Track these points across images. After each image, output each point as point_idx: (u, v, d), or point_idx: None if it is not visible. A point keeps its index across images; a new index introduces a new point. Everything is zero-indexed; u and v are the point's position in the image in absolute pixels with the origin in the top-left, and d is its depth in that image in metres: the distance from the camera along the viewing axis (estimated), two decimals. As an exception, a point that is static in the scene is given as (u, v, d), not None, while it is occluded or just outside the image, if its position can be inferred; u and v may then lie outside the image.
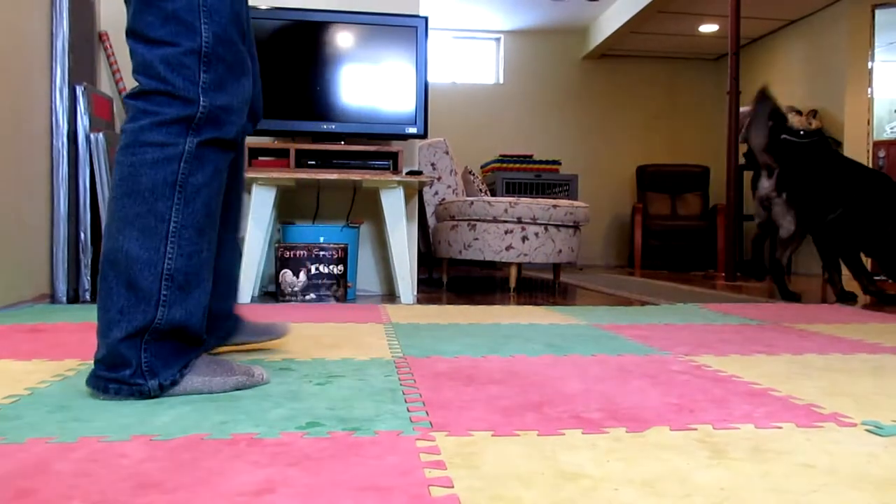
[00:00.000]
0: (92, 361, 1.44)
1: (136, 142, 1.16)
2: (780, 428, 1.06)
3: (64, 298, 2.78)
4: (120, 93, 3.26)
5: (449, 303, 3.02)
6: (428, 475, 0.83)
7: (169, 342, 1.19)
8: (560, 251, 3.75)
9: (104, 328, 1.17)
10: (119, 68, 3.29)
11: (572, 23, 7.09)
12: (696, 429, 1.05)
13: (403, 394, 1.25)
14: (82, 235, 2.85)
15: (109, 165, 2.89)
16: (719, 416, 1.12)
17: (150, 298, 1.15)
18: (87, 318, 2.25)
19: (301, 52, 3.11)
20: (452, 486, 0.79)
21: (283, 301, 2.93)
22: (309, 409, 1.13)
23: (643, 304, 3.09)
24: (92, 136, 2.84)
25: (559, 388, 1.32)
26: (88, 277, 2.85)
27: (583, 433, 1.02)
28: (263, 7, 3.09)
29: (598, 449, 0.95)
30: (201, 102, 1.17)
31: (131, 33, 1.19)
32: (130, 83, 3.33)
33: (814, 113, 5.85)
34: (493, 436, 1.00)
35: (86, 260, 2.85)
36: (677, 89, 7.65)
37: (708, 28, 6.67)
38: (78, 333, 1.92)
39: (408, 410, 1.14)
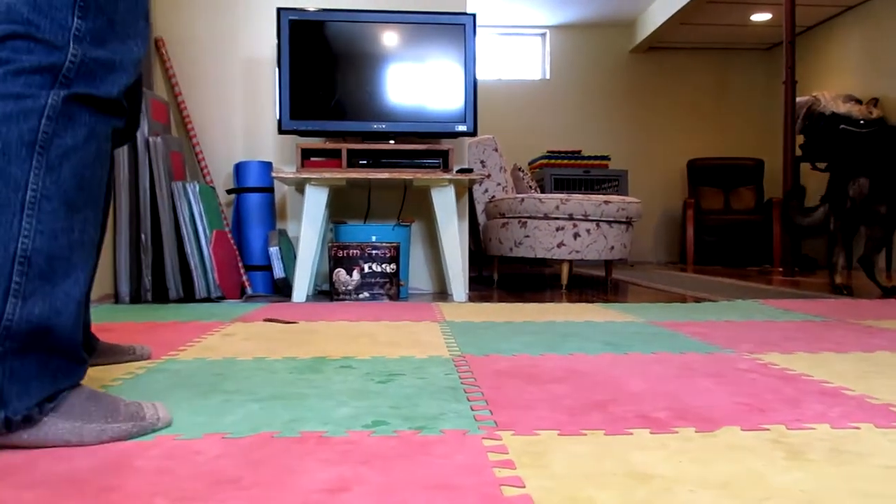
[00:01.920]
0: (162, 359, 1.48)
1: None
2: (857, 428, 1.03)
3: (127, 298, 2.86)
4: (176, 97, 3.34)
5: (500, 300, 3.01)
6: (498, 474, 0.83)
7: (32, 357, 0.90)
8: (612, 248, 3.70)
9: None
10: (175, 73, 3.37)
11: (619, 16, 6.99)
12: (768, 429, 1.02)
13: (465, 392, 1.25)
14: (143, 237, 2.93)
15: (168, 169, 2.96)
16: (792, 416, 1.09)
17: None
18: (150, 317, 2.31)
19: (350, 52, 3.14)
20: (524, 486, 0.79)
21: (338, 300, 2.97)
22: (373, 408, 1.14)
23: (699, 300, 3.03)
24: (151, 139, 2.92)
25: (622, 386, 1.31)
26: (149, 278, 2.93)
27: (651, 433, 1.00)
28: (312, 9, 3.13)
29: (669, 449, 0.93)
30: (71, 50, 0.95)
31: None
32: (186, 88, 3.42)
33: (875, 101, 5.65)
34: (559, 435, 0.99)
35: (147, 261, 2.93)
36: (728, 81, 7.48)
37: (760, 17, 6.50)
38: (144, 333, 1.97)
39: (471, 409, 1.13)
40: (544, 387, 1.30)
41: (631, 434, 1.00)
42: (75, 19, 0.96)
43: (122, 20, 1.01)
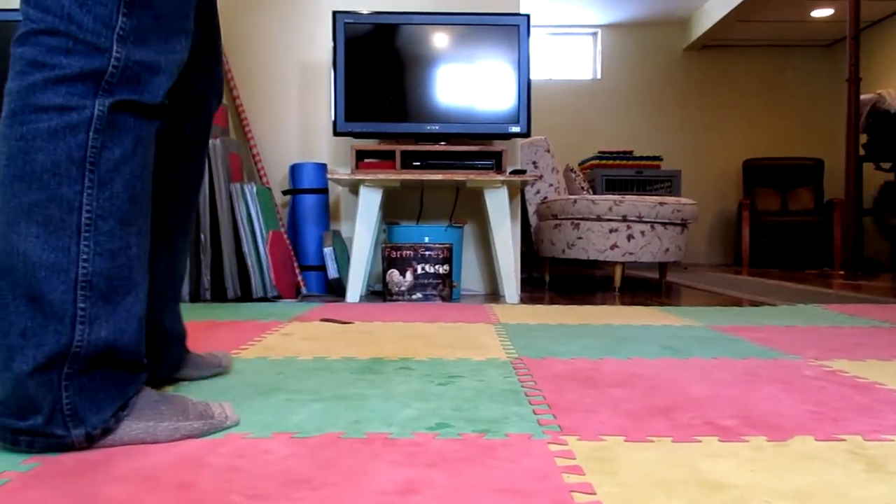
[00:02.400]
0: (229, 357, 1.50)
1: (27, 106, 0.86)
2: (938, 441, 0.99)
3: (187, 297, 2.93)
4: (234, 100, 3.42)
5: (552, 302, 2.99)
6: (567, 480, 0.82)
7: (99, 373, 0.90)
8: (667, 250, 3.64)
9: (3, 360, 0.87)
10: (233, 76, 3.44)
11: (673, 14, 6.87)
12: (844, 439, 0.99)
13: (526, 396, 1.25)
14: (202, 237, 3.00)
15: (227, 170, 3.02)
16: (868, 426, 1.06)
17: (64, 314, 0.86)
18: (210, 316, 2.36)
19: (404, 54, 3.16)
20: (595, 493, 0.78)
21: (391, 300, 2.99)
22: (436, 410, 1.15)
23: (757, 304, 2.96)
24: (210, 142, 2.99)
25: (685, 392, 1.28)
26: (209, 277, 3.00)
27: (720, 441, 0.98)
28: (366, 12, 3.16)
29: (740, 458, 0.91)
30: (114, 53, 0.88)
31: None
32: (244, 91, 3.50)
33: (943, 99, 5.43)
34: (625, 441, 0.98)
35: (206, 260, 3.00)
36: (786, 79, 7.28)
37: (821, 13, 6.32)
38: (205, 331, 2.02)
39: (534, 413, 1.13)
40: (605, 391, 1.29)
41: (699, 441, 0.98)
42: (120, 16, 0.87)
43: (169, 15, 0.93)
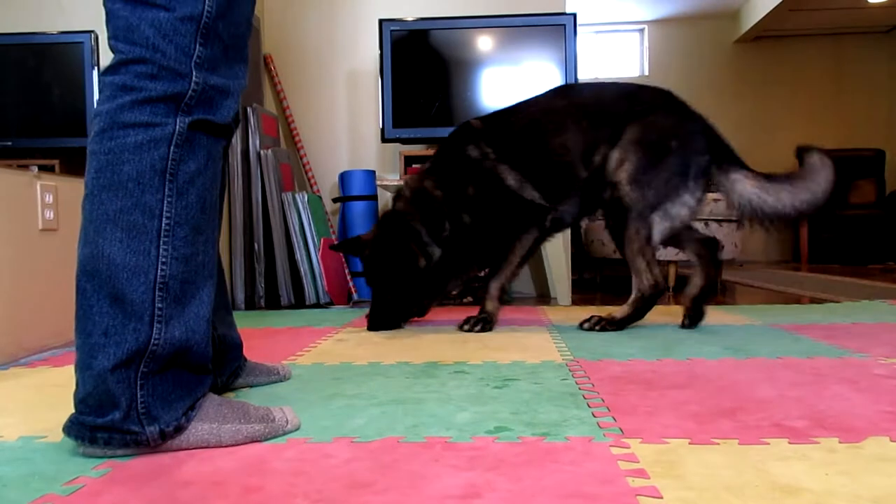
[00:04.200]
0: (282, 364, 1.53)
1: (115, 123, 0.95)
2: None
3: (242, 305, 2.99)
4: (284, 111, 3.48)
5: (604, 303, 2.95)
6: (632, 484, 0.81)
7: (171, 373, 0.96)
8: (723, 247, 3.56)
9: (85, 358, 0.94)
10: (283, 88, 3.50)
11: (721, 6, 6.73)
12: (922, 441, 0.95)
13: (585, 398, 1.23)
14: (256, 246, 3.06)
15: (278, 180, 3.08)
16: (947, 426, 1.01)
17: (143, 314, 0.93)
18: (265, 323, 2.40)
19: (450, 59, 3.17)
20: (662, 497, 0.77)
21: (442, 304, 2.99)
22: (493, 413, 1.14)
23: (819, 301, 2.87)
24: (262, 153, 3.04)
25: (749, 393, 1.25)
26: (262, 285, 3.06)
27: (789, 443, 0.95)
28: (411, 19, 3.18)
29: (812, 460, 0.88)
30: (194, 78, 0.97)
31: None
32: (293, 102, 3.55)
33: None
34: (690, 444, 0.96)
35: (260, 268, 3.06)
36: (843, 68, 7.04)
37: (879, -2, 6.10)
38: (262, 338, 2.05)
39: (593, 416, 1.11)
40: (665, 393, 1.26)
41: (767, 444, 0.95)
42: (197, 46, 0.97)
43: (234, 46, 1.03)
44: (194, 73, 0.97)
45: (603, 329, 2.07)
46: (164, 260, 0.94)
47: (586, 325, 2.11)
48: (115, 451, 0.94)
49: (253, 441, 1.00)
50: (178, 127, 0.96)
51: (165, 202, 0.95)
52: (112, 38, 0.98)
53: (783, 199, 2.07)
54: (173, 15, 0.95)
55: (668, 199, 2.04)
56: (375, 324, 2.16)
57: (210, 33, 0.98)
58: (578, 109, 2.12)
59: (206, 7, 0.97)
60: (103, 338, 0.92)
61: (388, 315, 2.17)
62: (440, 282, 2.25)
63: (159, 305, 0.94)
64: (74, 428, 0.94)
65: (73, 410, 0.96)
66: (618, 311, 2.11)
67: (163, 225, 0.95)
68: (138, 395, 0.93)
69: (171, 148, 0.96)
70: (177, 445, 0.96)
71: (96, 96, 3.05)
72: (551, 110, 2.15)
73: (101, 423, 0.93)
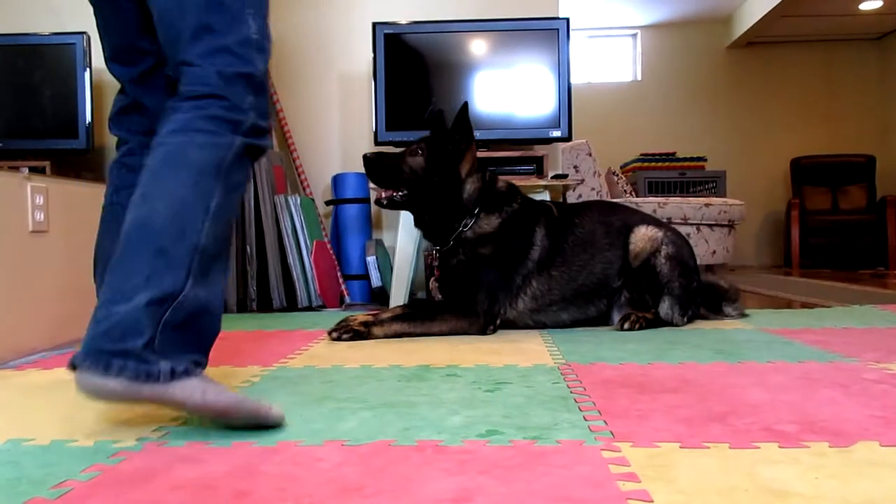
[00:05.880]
0: (273, 367, 1.52)
1: (188, 126, 1.15)
2: None
3: (234, 308, 2.98)
4: (277, 113, 3.47)
5: (599, 307, 2.95)
6: (623, 488, 0.81)
7: (187, 328, 1.08)
8: (714, 252, 3.58)
9: (118, 296, 1.05)
10: (276, 90, 3.49)
11: (714, 12, 6.76)
12: (911, 445, 0.95)
13: (576, 402, 1.23)
14: (248, 248, 3.05)
15: (271, 183, 3.07)
16: (936, 431, 1.02)
17: (181, 267, 1.07)
18: (258, 326, 2.40)
19: (444, 62, 3.17)
20: (652, 501, 0.77)
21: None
22: (485, 417, 1.14)
23: (810, 306, 2.88)
24: (255, 155, 3.03)
25: (741, 397, 1.25)
26: (255, 287, 3.05)
27: (780, 447, 0.96)
28: (405, 22, 3.18)
29: (802, 465, 0.88)
30: (250, 116, 1.20)
31: (184, 63, 1.19)
32: (286, 104, 3.54)
33: None
34: (681, 447, 0.96)
35: (252, 271, 3.05)
36: (834, 74, 7.09)
37: (870, 5, 6.14)
38: (254, 342, 2.05)
39: (584, 419, 1.11)
40: (657, 397, 1.26)
41: (758, 448, 0.95)
42: (250, 95, 1.21)
43: (267, 94, 1.27)
44: (250, 113, 1.20)
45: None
46: (206, 233, 1.11)
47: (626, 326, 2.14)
48: (124, 383, 1.00)
49: (231, 408, 1.06)
50: (237, 141, 1.18)
51: (216, 190, 1.13)
52: (186, 84, 1.19)
53: None
54: (234, 70, 1.19)
55: None
56: None
57: (259, 87, 1.23)
58: None
59: (258, 69, 1.23)
60: (145, 281, 1.04)
61: None
62: None
63: (194, 266, 1.09)
64: (90, 356, 1.01)
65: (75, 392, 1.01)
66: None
67: (212, 206, 1.12)
68: (157, 335, 1.03)
69: (229, 153, 1.16)
70: (177, 389, 1.02)
71: (88, 97, 3.05)
72: None
73: (122, 348, 1.00)
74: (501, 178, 2.34)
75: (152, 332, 1.03)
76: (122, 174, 1.46)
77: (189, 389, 1.03)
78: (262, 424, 1.09)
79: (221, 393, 1.06)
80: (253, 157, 1.24)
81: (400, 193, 2.21)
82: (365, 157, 2.26)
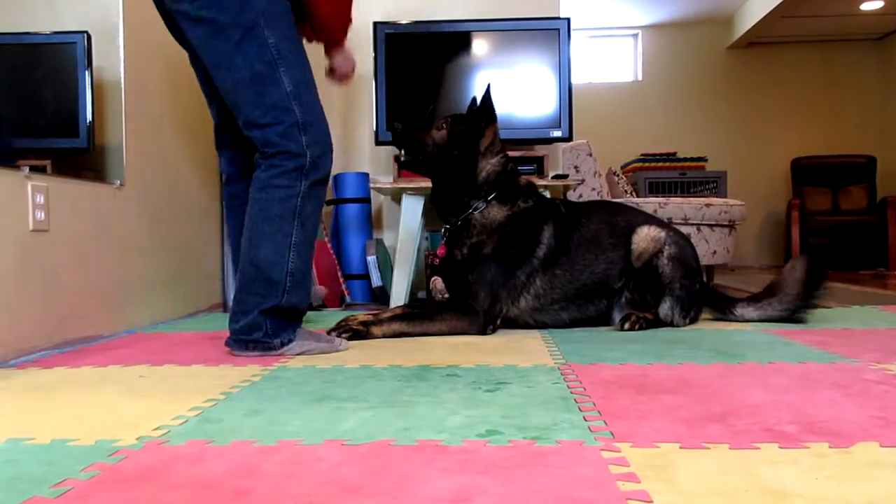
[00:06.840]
0: (274, 367, 1.53)
1: (269, 185, 1.70)
2: None
3: (234, 307, 2.98)
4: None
5: (599, 308, 2.94)
6: (622, 488, 0.81)
7: (286, 317, 1.74)
8: (715, 252, 3.58)
9: (249, 307, 1.71)
10: (276, 90, 3.49)
11: (715, 12, 6.76)
12: (911, 446, 0.95)
13: (576, 402, 1.23)
14: (249, 248, 3.05)
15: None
16: (936, 432, 1.02)
17: (280, 289, 1.71)
18: (258, 325, 2.39)
19: (444, 62, 3.17)
20: (652, 501, 0.77)
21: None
22: (485, 417, 1.14)
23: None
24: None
25: (741, 398, 1.25)
26: (255, 287, 3.05)
27: (780, 447, 0.96)
28: (405, 21, 3.18)
29: (802, 465, 0.88)
30: (308, 156, 1.70)
31: (247, 126, 1.70)
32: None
33: None
34: (681, 448, 0.96)
35: (252, 271, 3.05)
36: (835, 74, 7.09)
37: (871, 6, 6.14)
38: (254, 340, 2.04)
39: (584, 419, 1.11)
40: (657, 397, 1.26)
41: (758, 448, 0.95)
42: (304, 136, 1.70)
43: (316, 122, 1.75)
44: (307, 152, 1.71)
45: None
46: (292, 261, 1.72)
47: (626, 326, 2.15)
48: (257, 355, 1.73)
49: (324, 352, 1.78)
50: (302, 188, 1.71)
51: (294, 230, 1.71)
52: (260, 145, 1.71)
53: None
54: (284, 125, 1.69)
55: None
56: None
57: (305, 125, 1.71)
58: None
59: (298, 116, 1.70)
60: (261, 299, 1.70)
61: None
62: None
63: (288, 285, 1.71)
64: (237, 343, 1.74)
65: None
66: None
67: (293, 241, 1.71)
68: (268, 324, 1.72)
69: (299, 199, 1.71)
70: (289, 350, 1.74)
71: (89, 97, 3.07)
72: None
73: (252, 338, 1.72)
74: (524, 177, 2.36)
75: (266, 326, 1.71)
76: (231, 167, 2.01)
77: (291, 349, 1.75)
78: (336, 351, 1.79)
79: (310, 344, 1.77)
80: (320, 183, 1.75)
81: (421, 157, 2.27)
82: (393, 127, 2.34)
